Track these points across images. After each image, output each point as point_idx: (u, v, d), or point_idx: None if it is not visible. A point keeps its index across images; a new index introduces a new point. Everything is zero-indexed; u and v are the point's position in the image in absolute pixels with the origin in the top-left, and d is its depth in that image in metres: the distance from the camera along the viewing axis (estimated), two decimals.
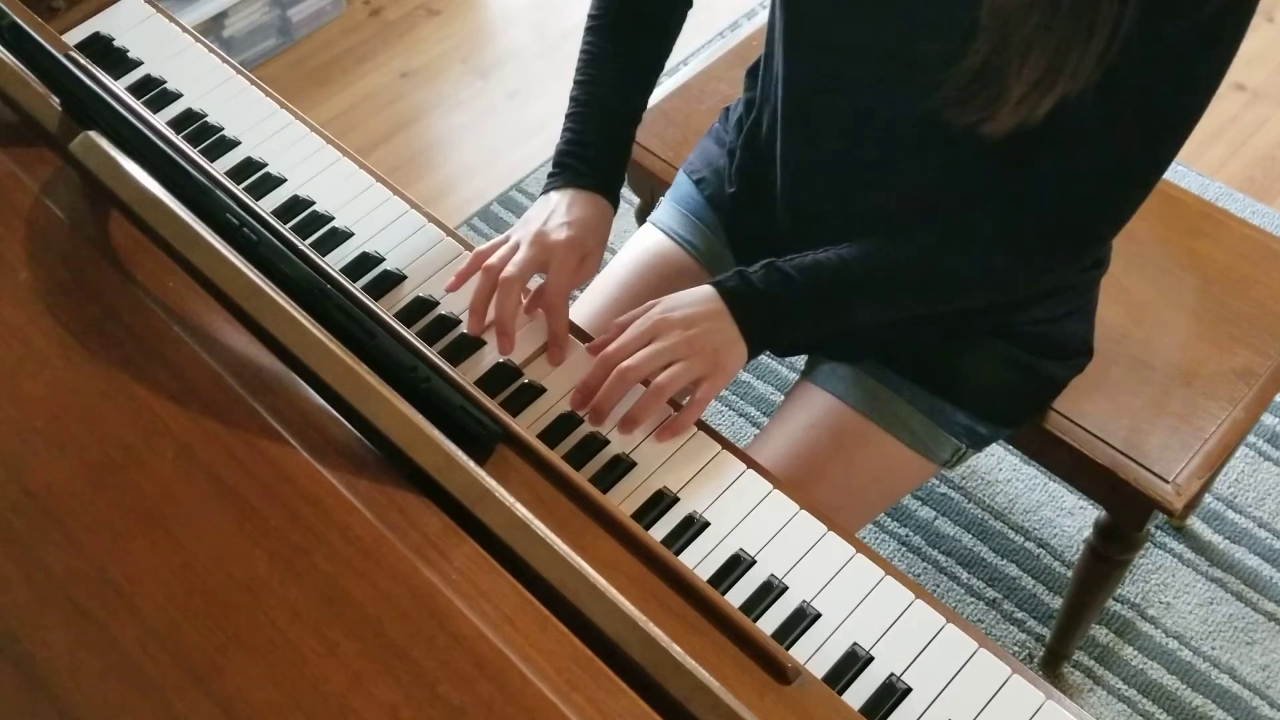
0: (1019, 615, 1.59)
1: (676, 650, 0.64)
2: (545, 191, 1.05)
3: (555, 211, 1.01)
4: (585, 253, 1.01)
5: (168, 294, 0.77)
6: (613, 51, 1.09)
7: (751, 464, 0.90)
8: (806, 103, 1.02)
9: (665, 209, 1.23)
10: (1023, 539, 1.65)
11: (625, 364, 0.90)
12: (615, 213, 1.07)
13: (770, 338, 0.96)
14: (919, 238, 0.96)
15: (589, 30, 1.10)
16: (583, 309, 1.17)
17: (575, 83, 1.09)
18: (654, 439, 0.91)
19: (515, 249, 0.99)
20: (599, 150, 1.05)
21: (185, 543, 0.66)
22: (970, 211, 0.96)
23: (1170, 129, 0.87)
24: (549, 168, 1.07)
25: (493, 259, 0.98)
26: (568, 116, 1.08)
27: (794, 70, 1.02)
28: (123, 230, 0.80)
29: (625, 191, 1.16)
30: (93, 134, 0.76)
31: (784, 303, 0.95)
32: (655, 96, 1.38)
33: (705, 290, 0.95)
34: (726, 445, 0.91)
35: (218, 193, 0.82)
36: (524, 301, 0.98)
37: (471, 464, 0.69)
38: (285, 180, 1.08)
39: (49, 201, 0.82)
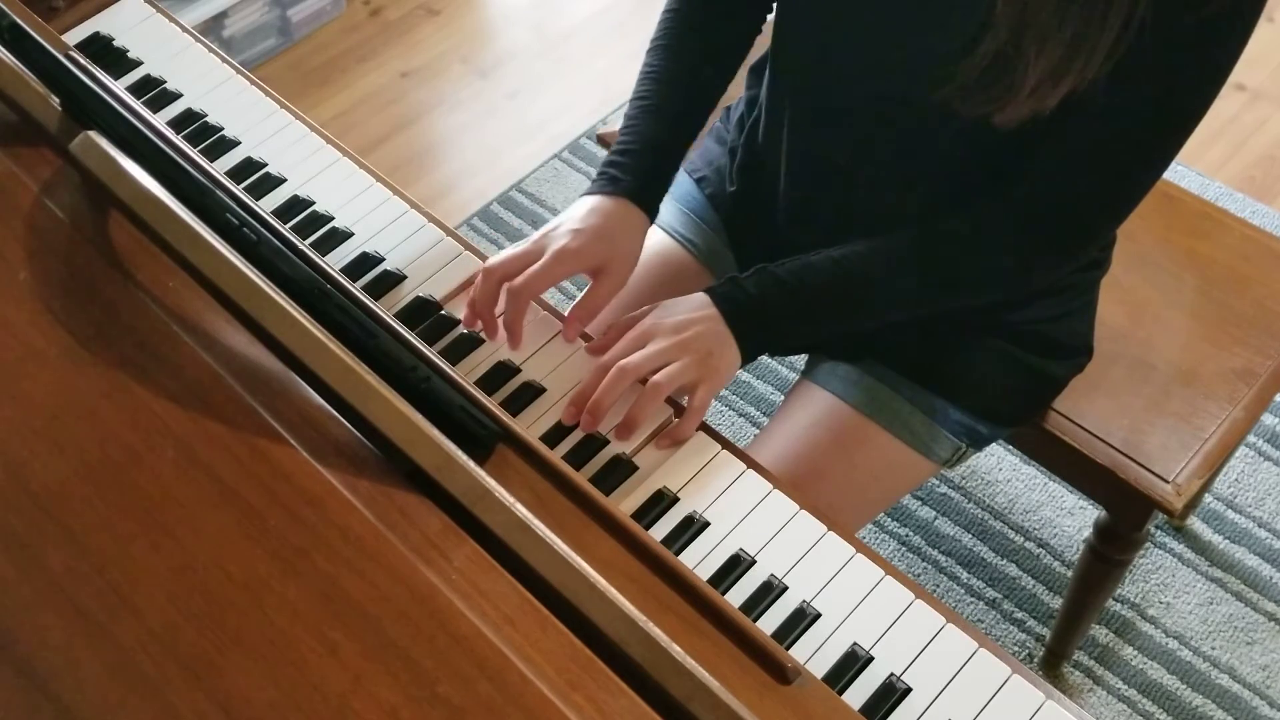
0: (1019, 615, 1.59)
1: (676, 650, 0.64)
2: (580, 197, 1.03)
3: (571, 217, 0.99)
4: (597, 262, 0.97)
5: (168, 294, 0.77)
6: (671, 68, 1.06)
7: (751, 464, 0.89)
8: (815, 99, 1.02)
9: (666, 208, 1.23)
10: (1023, 539, 1.65)
11: (623, 362, 0.90)
12: (651, 222, 1.02)
13: (764, 341, 0.96)
14: (916, 237, 0.96)
15: (649, 52, 1.08)
16: None
17: (630, 102, 1.06)
18: (654, 446, 0.91)
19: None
20: (637, 158, 1.02)
21: (185, 543, 0.66)
22: (970, 208, 0.96)
23: (1175, 123, 0.87)
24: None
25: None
26: (618, 133, 1.05)
27: (801, 65, 1.01)
28: (123, 230, 0.80)
29: None
30: (93, 134, 0.76)
31: (776, 306, 0.95)
32: None
33: (698, 297, 0.95)
34: (726, 445, 0.91)
35: (218, 193, 0.82)
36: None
37: (471, 464, 0.69)
38: (285, 180, 1.08)
39: (49, 201, 0.82)
